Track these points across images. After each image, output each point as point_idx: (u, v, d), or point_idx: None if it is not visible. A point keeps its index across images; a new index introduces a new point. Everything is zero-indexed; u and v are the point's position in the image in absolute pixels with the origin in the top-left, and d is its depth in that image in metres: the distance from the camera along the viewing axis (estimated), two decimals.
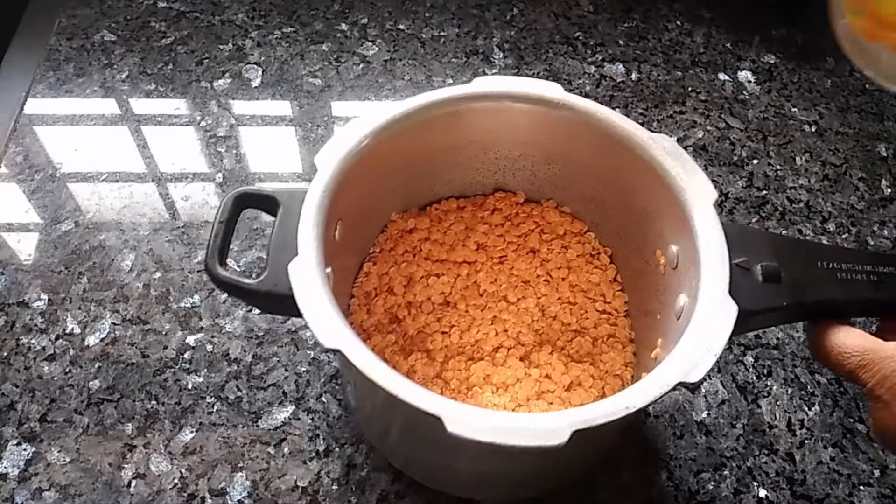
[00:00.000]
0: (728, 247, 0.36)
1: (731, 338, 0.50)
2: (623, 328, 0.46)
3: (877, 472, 0.47)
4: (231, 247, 0.55)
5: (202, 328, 0.51)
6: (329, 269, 0.37)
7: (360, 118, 0.41)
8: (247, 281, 0.36)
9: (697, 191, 0.38)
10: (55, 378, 0.48)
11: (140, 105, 0.64)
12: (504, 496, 0.45)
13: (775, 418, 0.49)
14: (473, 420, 0.30)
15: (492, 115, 0.44)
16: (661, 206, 0.40)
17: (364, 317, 0.45)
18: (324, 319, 0.33)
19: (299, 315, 0.34)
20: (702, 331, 0.34)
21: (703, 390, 0.50)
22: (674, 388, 0.32)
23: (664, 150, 0.40)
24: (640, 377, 0.34)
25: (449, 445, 0.34)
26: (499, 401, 0.42)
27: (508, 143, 0.46)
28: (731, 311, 0.34)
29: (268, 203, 0.38)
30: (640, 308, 0.45)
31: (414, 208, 0.49)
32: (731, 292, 0.35)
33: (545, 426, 0.30)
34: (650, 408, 0.49)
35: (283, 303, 0.35)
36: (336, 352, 0.32)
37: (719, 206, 0.58)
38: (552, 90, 0.43)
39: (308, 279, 0.34)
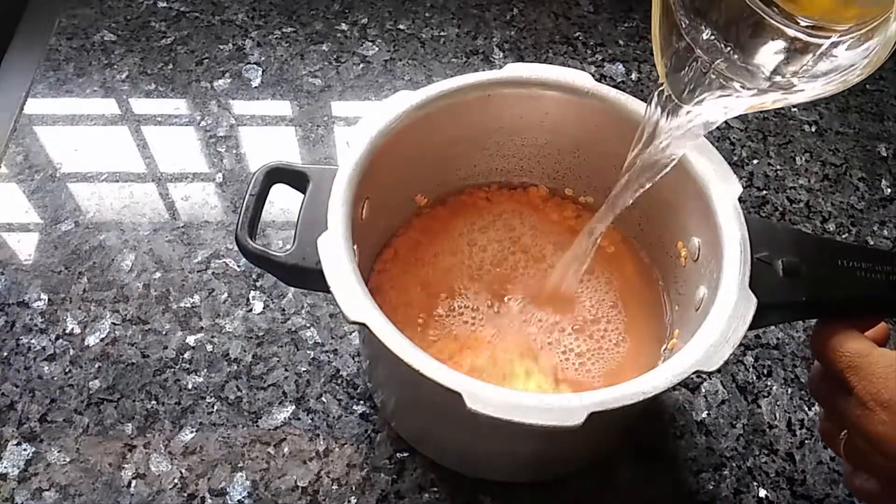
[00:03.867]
0: (750, 241, 0.37)
1: (746, 347, 0.51)
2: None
3: None
4: (231, 247, 0.55)
5: (202, 328, 0.51)
6: (355, 247, 0.37)
7: (393, 99, 0.41)
8: (276, 253, 0.37)
9: (722, 184, 0.39)
10: (55, 378, 0.48)
11: (140, 105, 0.64)
12: (514, 478, 0.46)
13: (775, 418, 0.49)
14: (492, 398, 0.31)
15: (522, 101, 0.44)
16: (686, 198, 0.41)
17: (382, 299, 0.45)
18: (350, 293, 0.34)
19: (324, 289, 0.34)
20: (721, 322, 0.34)
21: (703, 390, 0.50)
22: (690, 376, 0.33)
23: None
24: (657, 366, 0.34)
25: (467, 422, 0.35)
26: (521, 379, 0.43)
27: (536, 129, 0.47)
28: (750, 303, 0.35)
29: (298, 179, 0.39)
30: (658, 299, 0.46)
31: (438, 193, 0.49)
32: (751, 285, 0.35)
33: (562, 407, 0.31)
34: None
35: (309, 276, 0.36)
36: (361, 326, 0.33)
37: None
38: (582, 79, 0.43)
39: (336, 253, 0.35)
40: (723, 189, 0.39)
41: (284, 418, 0.47)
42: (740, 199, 0.39)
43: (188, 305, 0.52)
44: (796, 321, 0.53)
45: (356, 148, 0.39)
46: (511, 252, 0.48)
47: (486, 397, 0.31)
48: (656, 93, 0.35)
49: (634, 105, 0.42)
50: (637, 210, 0.47)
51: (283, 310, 0.52)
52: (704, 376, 0.50)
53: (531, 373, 0.43)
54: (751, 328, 0.34)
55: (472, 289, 0.46)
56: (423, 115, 0.42)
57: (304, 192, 0.39)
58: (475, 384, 0.32)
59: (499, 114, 0.45)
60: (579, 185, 0.49)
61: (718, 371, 0.50)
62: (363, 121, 0.41)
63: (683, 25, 0.33)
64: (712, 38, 0.32)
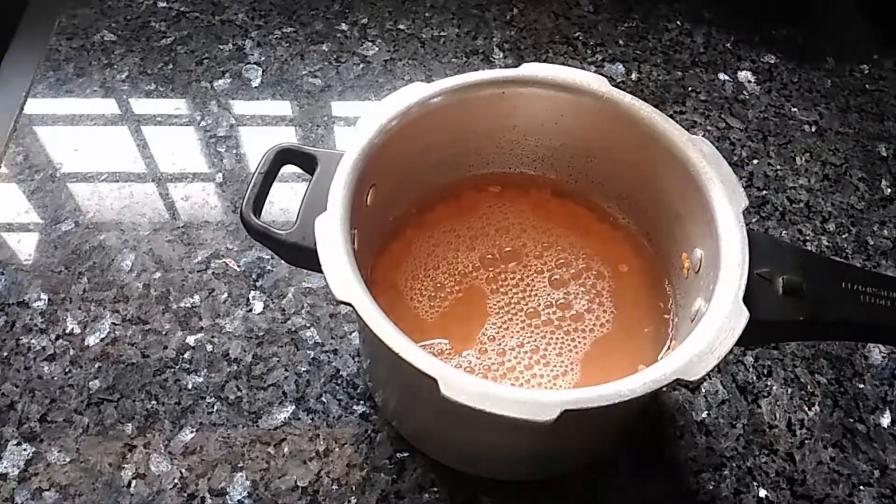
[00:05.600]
0: (752, 255, 0.36)
1: (746, 348, 0.51)
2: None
3: (877, 472, 0.47)
4: (231, 247, 0.55)
5: (202, 328, 0.51)
6: (355, 231, 0.38)
7: (406, 89, 0.42)
8: (277, 231, 0.38)
9: (728, 196, 0.39)
10: (55, 378, 0.48)
11: (140, 105, 0.64)
12: (514, 476, 0.46)
13: (775, 418, 0.49)
14: (468, 386, 0.32)
15: (537, 101, 0.44)
16: (692, 208, 0.41)
17: (387, 288, 0.45)
18: (340, 273, 0.34)
19: (320, 270, 0.35)
20: (709, 332, 0.34)
21: (703, 390, 0.50)
22: (671, 384, 0.33)
23: (701, 153, 0.40)
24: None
25: (446, 411, 0.35)
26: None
27: (551, 131, 0.46)
28: (741, 317, 0.34)
29: (307, 161, 0.40)
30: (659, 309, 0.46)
31: (451, 188, 0.49)
32: (747, 300, 0.35)
33: (536, 402, 0.31)
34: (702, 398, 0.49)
35: (307, 256, 0.36)
36: (348, 305, 0.33)
37: None
38: (598, 83, 0.43)
39: (331, 234, 0.36)
40: (728, 201, 0.38)
41: (284, 418, 0.47)
42: None
43: (188, 305, 0.52)
44: (795, 342, 0.52)
45: (364, 134, 0.40)
46: (521, 250, 0.48)
47: (461, 385, 0.31)
48: None
49: (647, 111, 0.42)
50: (645, 220, 0.47)
51: (283, 310, 0.52)
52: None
53: (529, 367, 0.43)
54: (746, 345, 0.34)
55: (479, 285, 0.46)
56: (436, 108, 0.42)
57: (312, 174, 0.39)
58: (453, 372, 0.32)
59: (513, 112, 0.45)
60: (592, 190, 0.49)
61: (700, 383, 0.50)
62: (374, 108, 0.41)
63: None
64: None
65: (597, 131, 0.45)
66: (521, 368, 0.43)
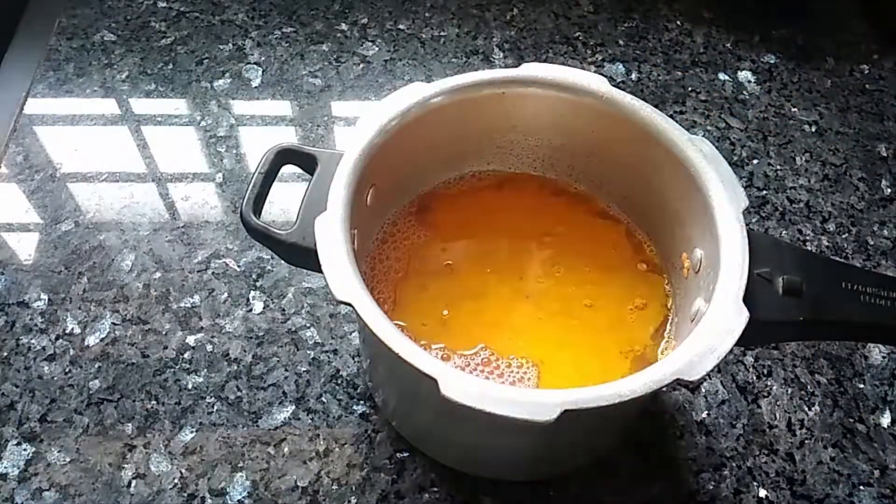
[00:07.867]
0: (752, 256, 0.36)
1: (745, 347, 0.51)
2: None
3: (877, 472, 0.47)
4: (231, 247, 0.55)
5: (202, 328, 0.51)
6: (355, 231, 0.38)
7: (406, 89, 0.42)
8: (277, 231, 0.38)
9: (728, 197, 0.39)
10: (55, 378, 0.48)
11: (140, 105, 0.64)
12: (514, 476, 0.46)
13: (775, 418, 0.49)
14: (468, 386, 0.32)
15: (537, 101, 0.45)
16: (692, 208, 0.41)
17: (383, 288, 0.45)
18: (340, 273, 0.35)
19: (320, 270, 0.35)
20: (709, 332, 0.34)
21: (703, 390, 0.50)
22: (671, 384, 0.33)
23: (701, 153, 0.40)
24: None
25: (446, 411, 0.35)
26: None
27: (551, 131, 0.47)
28: (741, 317, 0.34)
29: (307, 161, 0.40)
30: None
31: (451, 187, 0.49)
32: (747, 300, 0.35)
33: (536, 402, 0.32)
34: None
35: (307, 256, 0.37)
36: (348, 305, 0.34)
37: None
38: (598, 83, 0.43)
39: (331, 234, 0.36)
40: (728, 201, 0.38)
41: (284, 418, 0.47)
42: None
43: (188, 305, 0.52)
44: (795, 342, 0.52)
45: (364, 134, 0.40)
46: (524, 250, 0.48)
47: (461, 385, 0.31)
48: None
49: (647, 112, 0.42)
50: (645, 220, 0.47)
51: (283, 310, 0.52)
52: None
53: (528, 365, 0.43)
54: (745, 346, 0.34)
55: (480, 284, 0.46)
56: (436, 108, 0.42)
57: (312, 174, 0.40)
58: (453, 372, 0.32)
59: (513, 112, 0.45)
60: (592, 189, 0.49)
61: (700, 383, 0.50)
62: (374, 107, 0.41)
63: None
64: None
65: (596, 131, 0.45)
66: (517, 366, 0.43)
